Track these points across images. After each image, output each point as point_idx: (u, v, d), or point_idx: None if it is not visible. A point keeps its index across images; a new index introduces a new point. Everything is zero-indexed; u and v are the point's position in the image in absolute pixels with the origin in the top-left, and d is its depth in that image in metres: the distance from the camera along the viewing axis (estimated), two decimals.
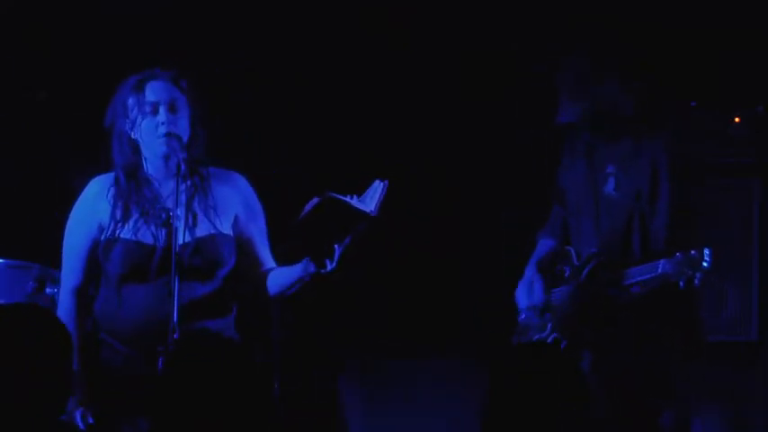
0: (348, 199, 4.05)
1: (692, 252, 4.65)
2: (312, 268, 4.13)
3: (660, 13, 6.14)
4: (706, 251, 4.64)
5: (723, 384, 6.25)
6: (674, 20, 6.17)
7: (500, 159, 6.44)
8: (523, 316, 5.18)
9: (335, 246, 4.07)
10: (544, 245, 5.24)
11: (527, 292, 5.14)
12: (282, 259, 4.39)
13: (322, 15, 6.40)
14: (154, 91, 4.27)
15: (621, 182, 4.99)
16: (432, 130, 6.49)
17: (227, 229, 4.31)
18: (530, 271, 5.18)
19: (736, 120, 6.40)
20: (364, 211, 4.03)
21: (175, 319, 4.03)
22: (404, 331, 6.48)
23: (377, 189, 4.06)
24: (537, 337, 5.08)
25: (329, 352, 6.58)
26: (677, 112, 6.29)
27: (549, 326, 5.05)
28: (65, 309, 4.32)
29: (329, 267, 4.10)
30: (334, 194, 4.04)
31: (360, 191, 4.12)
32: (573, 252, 5.10)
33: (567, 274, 5.09)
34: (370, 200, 4.05)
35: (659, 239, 4.80)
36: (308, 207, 4.05)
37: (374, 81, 6.45)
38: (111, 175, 4.34)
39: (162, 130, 4.24)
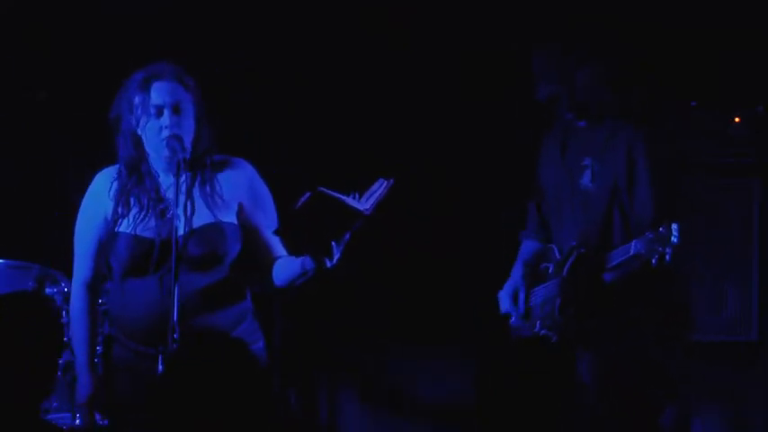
0: (344, 196, 4.02)
1: (661, 229, 4.68)
2: (310, 265, 4.12)
3: (660, 13, 6.14)
4: (674, 226, 4.67)
5: (723, 384, 6.25)
6: (674, 20, 6.17)
7: (500, 159, 6.44)
8: (514, 319, 5.19)
9: (333, 243, 4.05)
10: (527, 246, 5.26)
11: (510, 299, 5.16)
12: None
13: (322, 15, 6.40)
14: (159, 93, 4.27)
15: (597, 174, 5.00)
16: (432, 130, 6.49)
17: (228, 217, 4.30)
18: (514, 277, 5.19)
19: (736, 120, 6.41)
20: (358, 209, 4.00)
21: (175, 317, 4.02)
22: (404, 331, 6.48)
23: (377, 188, 4.04)
24: (528, 334, 5.10)
25: (329, 351, 6.58)
26: (677, 112, 6.30)
27: (538, 323, 5.06)
28: (76, 303, 4.33)
29: (329, 265, 4.08)
30: (326, 190, 4.00)
31: (359, 191, 4.09)
32: (555, 249, 5.11)
33: (550, 271, 5.10)
34: (366, 199, 4.02)
35: (641, 230, 4.81)
36: (299, 202, 4.01)
37: (374, 81, 6.46)
38: (116, 167, 4.36)
39: (165, 132, 4.25)
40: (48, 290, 5.44)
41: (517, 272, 5.19)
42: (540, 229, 5.23)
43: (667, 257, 4.67)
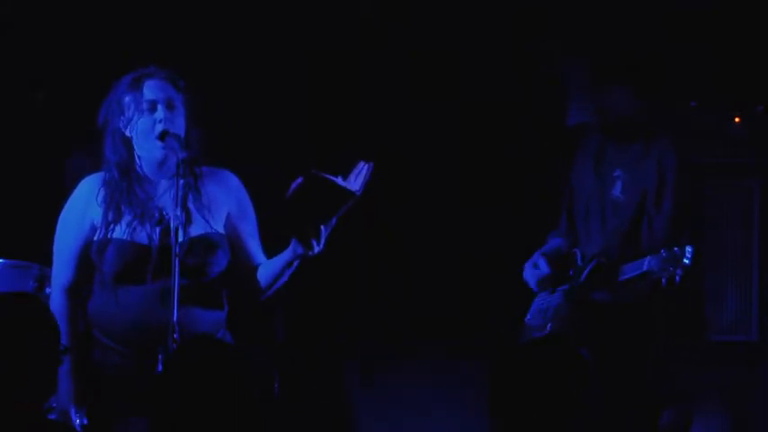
0: (335, 178, 4.03)
1: (675, 249, 4.67)
2: (300, 250, 4.12)
3: (660, 12, 6.15)
4: (688, 248, 4.66)
5: (723, 384, 6.25)
6: (674, 20, 6.18)
7: (504, 160, 6.45)
8: (529, 317, 5.22)
9: (321, 227, 4.06)
10: (552, 242, 5.30)
11: (532, 270, 5.18)
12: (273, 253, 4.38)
13: (321, 15, 6.40)
14: (152, 89, 4.26)
15: (628, 185, 5.02)
16: (432, 130, 6.49)
17: (220, 227, 4.31)
18: (536, 255, 5.23)
19: (736, 120, 6.41)
20: (350, 189, 4.01)
21: (175, 317, 4.02)
22: (405, 330, 6.48)
23: (361, 170, 4.05)
24: (539, 336, 5.11)
25: (329, 350, 6.58)
26: (677, 113, 6.30)
27: (549, 326, 5.07)
28: (57, 307, 4.29)
29: (316, 249, 4.09)
30: (319, 172, 4.01)
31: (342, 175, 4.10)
32: (578, 254, 5.14)
33: (570, 274, 5.13)
34: (354, 180, 4.04)
35: (660, 240, 4.83)
36: (293, 186, 4.03)
37: (374, 82, 6.45)
38: (102, 174, 4.33)
39: (159, 127, 4.23)
40: (48, 290, 5.42)
41: (536, 254, 5.22)
42: (568, 233, 5.26)
43: (677, 279, 4.65)
